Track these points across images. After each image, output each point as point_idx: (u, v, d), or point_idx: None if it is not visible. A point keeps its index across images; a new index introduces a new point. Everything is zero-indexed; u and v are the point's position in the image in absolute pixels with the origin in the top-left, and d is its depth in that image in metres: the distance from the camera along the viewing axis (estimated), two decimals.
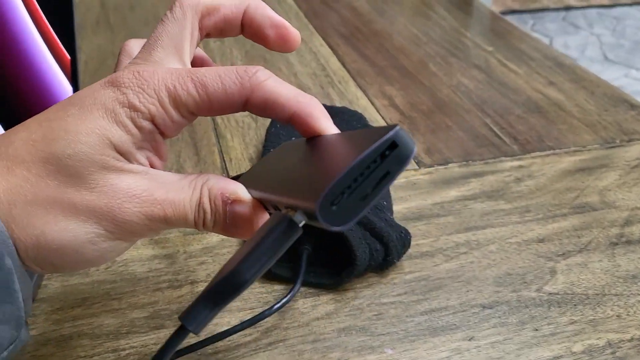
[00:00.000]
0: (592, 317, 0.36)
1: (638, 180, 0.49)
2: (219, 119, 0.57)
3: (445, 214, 0.45)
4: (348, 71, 0.68)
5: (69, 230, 0.23)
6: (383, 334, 0.35)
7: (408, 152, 0.20)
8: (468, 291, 0.38)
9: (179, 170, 0.49)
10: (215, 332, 0.33)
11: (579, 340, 0.34)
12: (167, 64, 0.26)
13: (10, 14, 0.43)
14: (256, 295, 0.37)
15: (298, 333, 0.35)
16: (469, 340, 0.34)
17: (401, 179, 0.48)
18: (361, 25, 0.81)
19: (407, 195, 0.47)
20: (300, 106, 0.25)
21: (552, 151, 0.53)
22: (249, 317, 0.34)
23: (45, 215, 0.23)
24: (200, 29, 0.28)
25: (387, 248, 0.38)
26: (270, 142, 0.49)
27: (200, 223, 0.25)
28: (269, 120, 0.53)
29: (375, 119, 0.58)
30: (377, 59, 0.71)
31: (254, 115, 0.52)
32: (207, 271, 0.39)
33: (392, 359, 0.33)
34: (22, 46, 0.44)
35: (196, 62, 0.32)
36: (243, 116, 0.57)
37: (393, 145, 0.19)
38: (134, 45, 0.30)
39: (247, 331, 0.35)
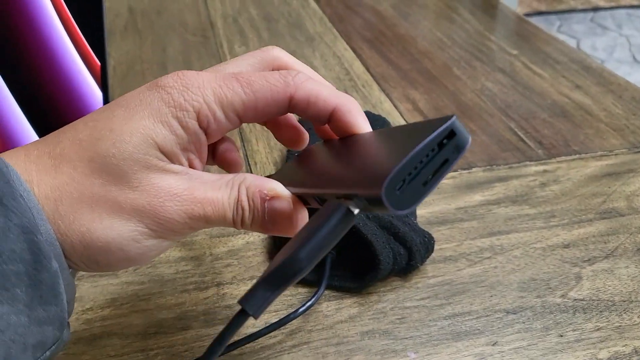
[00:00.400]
0: (619, 324, 0.36)
1: None
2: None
3: (469, 218, 0.45)
4: (372, 75, 0.68)
5: (114, 228, 0.24)
6: (406, 338, 0.35)
7: (465, 141, 0.21)
8: (492, 296, 0.38)
9: None
10: (241, 334, 0.34)
11: (604, 347, 0.34)
12: None
13: (43, 22, 0.45)
14: (280, 298, 0.38)
15: (322, 336, 0.35)
16: (493, 345, 0.34)
17: None
18: (385, 29, 0.82)
19: (431, 200, 0.47)
20: (341, 102, 0.26)
21: (578, 156, 0.52)
22: (274, 320, 0.35)
23: (90, 213, 0.24)
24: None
25: (411, 252, 0.38)
26: None
27: (238, 221, 0.26)
28: None
29: (399, 123, 0.58)
30: (401, 62, 0.71)
31: None
32: (232, 273, 0.40)
33: None
34: (54, 53, 0.45)
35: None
36: None
37: (451, 134, 0.20)
38: None
39: (271, 333, 0.35)
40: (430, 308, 0.37)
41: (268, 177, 0.28)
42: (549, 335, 0.35)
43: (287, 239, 0.39)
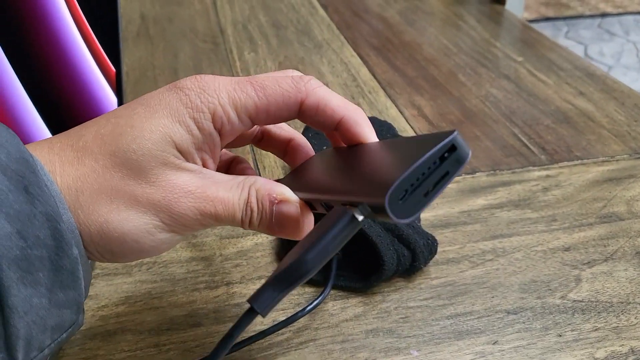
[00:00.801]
0: (616, 325, 0.37)
1: None
2: None
3: (472, 221, 0.46)
4: (378, 81, 0.69)
5: (130, 220, 0.25)
6: (409, 336, 0.36)
7: (465, 155, 0.22)
8: (493, 297, 0.39)
9: None
10: (251, 332, 0.35)
11: (602, 346, 0.35)
12: None
13: (60, 28, 0.46)
14: (288, 297, 0.39)
15: (328, 333, 0.36)
16: (493, 344, 0.36)
17: None
18: (392, 36, 0.83)
19: (435, 203, 0.48)
20: (349, 112, 0.28)
21: (580, 161, 0.53)
22: (282, 318, 0.36)
23: (109, 204, 0.25)
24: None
25: (414, 254, 0.39)
26: None
27: (247, 222, 0.27)
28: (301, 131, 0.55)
29: (405, 129, 0.59)
30: (407, 69, 0.73)
31: None
32: (241, 273, 0.41)
33: None
34: (71, 58, 0.47)
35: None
36: None
37: (452, 148, 0.22)
38: None
39: (279, 331, 0.36)
40: (433, 308, 0.38)
41: (278, 181, 0.29)
42: (548, 335, 0.36)
43: (294, 241, 0.40)
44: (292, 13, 0.91)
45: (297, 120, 0.29)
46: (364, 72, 0.72)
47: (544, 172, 0.52)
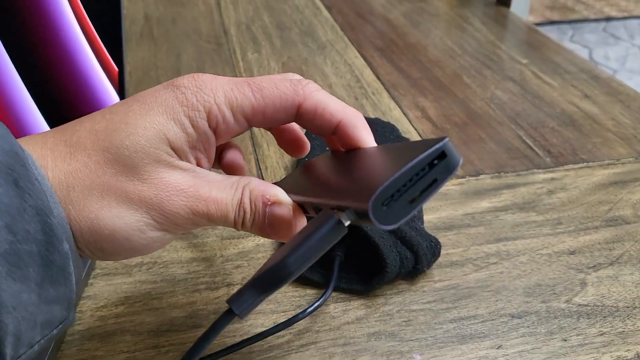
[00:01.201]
0: (622, 329, 0.36)
1: None
2: (255, 128, 0.59)
3: (476, 224, 0.45)
4: (382, 83, 0.69)
5: (121, 217, 0.25)
6: (412, 340, 0.36)
7: (455, 163, 0.21)
8: (497, 301, 0.38)
9: None
10: (250, 333, 0.35)
11: (607, 351, 0.35)
12: None
13: (63, 27, 0.46)
14: (289, 299, 0.39)
15: (329, 336, 0.36)
16: (497, 348, 0.35)
17: None
18: (396, 37, 0.83)
19: (438, 205, 0.47)
20: (347, 116, 0.27)
21: (585, 164, 0.53)
22: (282, 320, 0.36)
23: (100, 201, 0.25)
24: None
25: (417, 256, 0.39)
26: None
27: (239, 222, 0.27)
28: None
29: (408, 130, 0.59)
30: (411, 71, 0.72)
31: None
32: (242, 274, 0.40)
33: None
34: (73, 57, 0.47)
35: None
36: None
37: (442, 155, 0.21)
38: None
39: (279, 333, 0.36)
40: (436, 311, 0.38)
41: (275, 183, 0.29)
42: (553, 339, 0.36)
43: None
44: (296, 14, 0.91)
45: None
46: (368, 73, 0.71)
47: (549, 175, 0.51)
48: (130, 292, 0.39)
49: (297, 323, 0.36)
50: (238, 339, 0.35)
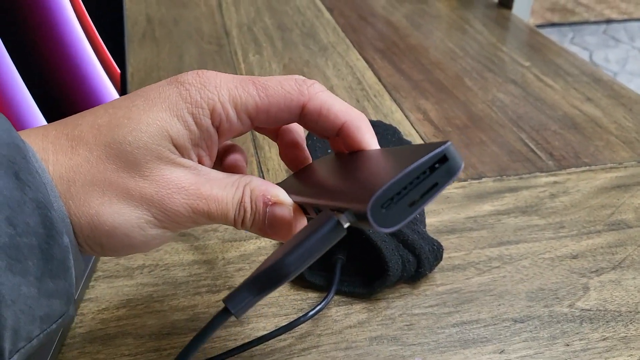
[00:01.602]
0: (625, 334, 0.36)
1: None
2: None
3: (478, 228, 0.45)
4: (383, 85, 0.69)
5: (122, 214, 0.25)
6: (414, 344, 0.36)
7: (457, 167, 0.21)
8: (500, 305, 0.38)
9: None
10: (252, 337, 0.35)
11: (610, 356, 0.35)
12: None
13: (64, 28, 0.46)
14: (291, 302, 0.38)
15: (331, 340, 0.36)
16: (500, 353, 0.35)
17: None
18: (397, 39, 0.82)
19: (440, 209, 0.47)
20: (351, 118, 0.27)
21: (587, 167, 0.53)
22: (284, 323, 0.36)
23: (101, 197, 0.25)
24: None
25: (419, 260, 0.38)
26: None
27: (239, 221, 0.27)
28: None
29: (410, 133, 0.59)
30: (412, 73, 0.72)
31: None
32: (244, 277, 0.40)
33: None
34: (75, 59, 0.47)
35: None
36: None
37: (444, 159, 0.21)
38: None
39: (281, 336, 0.36)
40: (438, 315, 0.38)
41: (278, 184, 0.29)
42: (555, 344, 0.35)
43: None
44: (298, 16, 0.90)
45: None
46: (369, 75, 0.71)
47: (552, 178, 0.51)
48: (132, 294, 0.39)
49: (299, 326, 0.36)
50: (240, 342, 0.35)
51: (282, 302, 0.38)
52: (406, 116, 0.62)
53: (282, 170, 0.53)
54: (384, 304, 0.38)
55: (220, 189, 0.26)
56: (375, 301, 0.39)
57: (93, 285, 0.39)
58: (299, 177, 0.30)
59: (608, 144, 0.56)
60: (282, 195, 0.27)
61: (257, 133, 0.58)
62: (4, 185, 0.21)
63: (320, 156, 0.49)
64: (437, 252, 0.39)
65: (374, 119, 0.61)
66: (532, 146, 0.56)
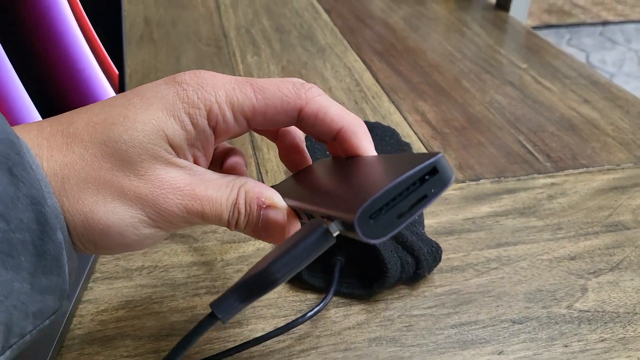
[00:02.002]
0: (623, 335, 0.36)
1: None
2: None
3: (477, 229, 0.45)
4: (382, 87, 0.69)
5: (116, 213, 0.25)
6: (413, 345, 0.36)
7: (447, 179, 0.21)
8: (498, 306, 0.38)
9: None
10: (250, 338, 0.35)
11: (608, 357, 0.35)
12: None
13: (62, 29, 0.46)
14: (290, 304, 0.38)
15: (330, 341, 0.36)
16: (499, 354, 0.35)
17: None
18: (395, 41, 0.83)
19: (439, 210, 0.47)
20: (348, 123, 0.27)
21: (585, 169, 0.53)
22: (282, 324, 0.36)
23: (95, 195, 0.25)
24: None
25: (418, 261, 0.38)
26: None
27: (233, 223, 0.27)
28: None
29: (408, 134, 0.59)
30: (410, 75, 0.72)
31: None
32: None
33: None
34: (73, 59, 0.47)
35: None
36: None
37: (434, 170, 0.20)
38: None
39: (280, 337, 0.36)
40: (437, 317, 0.38)
41: (273, 186, 0.29)
42: (554, 345, 0.36)
43: None
44: (296, 18, 0.91)
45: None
46: (368, 77, 0.71)
47: (549, 180, 0.51)
48: (131, 296, 0.39)
49: (298, 328, 0.36)
50: (238, 343, 0.35)
51: (281, 304, 0.38)
52: (404, 118, 0.62)
53: (280, 172, 0.53)
54: (383, 305, 0.38)
55: (215, 190, 0.26)
56: (374, 302, 0.39)
57: (92, 286, 0.39)
58: (296, 180, 0.30)
59: (605, 146, 0.57)
60: (277, 199, 0.27)
61: (255, 134, 0.58)
62: None
63: (319, 157, 0.49)
64: (435, 253, 0.39)
65: (372, 120, 0.61)
66: (530, 148, 0.56)
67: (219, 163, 0.31)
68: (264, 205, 0.26)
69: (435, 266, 0.40)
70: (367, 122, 0.57)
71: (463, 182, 0.51)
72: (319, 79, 0.70)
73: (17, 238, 0.22)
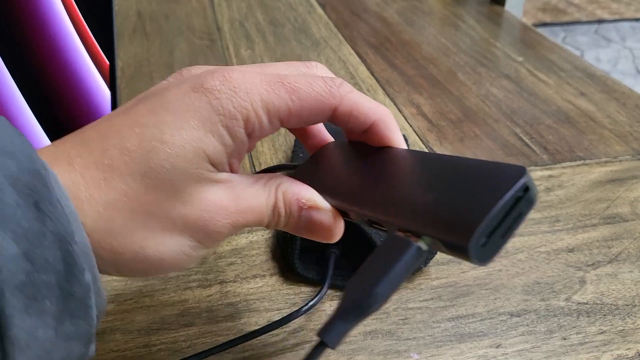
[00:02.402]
0: (622, 328, 0.36)
1: None
2: None
3: None
4: (376, 79, 0.68)
5: (166, 245, 0.24)
6: (409, 339, 0.35)
7: (535, 195, 0.21)
8: (496, 299, 0.38)
9: None
10: (244, 332, 0.34)
11: (607, 350, 0.34)
12: None
13: (54, 22, 0.45)
14: (284, 297, 0.38)
15: None
16: (496, 347, 0.34)
17: None
18: (390, 35, 0.82)
19: None
20: (381, 116, 0.27)
21: (582, 161, 0.52)
22: (277, 318, 0.35)
23: (143, 230, 0.23)
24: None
25: None
26: (299, 147, 0.50)
27: (272, 225, 0.26)
28: None
29: (403, 127, 0.58)
30: (405, 68, 0.72)
31: None
32: (235, 272, 0.40)
33: None
34: (63, 50, 0.46)
35: None
36: None
37: (526, 188, 0.21)
38: None
39: (274, 331, 0.35)
40: (433, 310, 0.37)
41: (294, 173, 0.28)
42: (552, 338, 0.35)
43: (290, 240, 0.39)
44: (290, 11, 0.90)
45: None
46: (362, 70, 0.71)
47: (547, 172, 0.51)
48: (121, 289, 0.38)
49: (293, 322, 0.35)
50: (232, 337, 0.34)
51: (275, 297, 0.38)
52: (400, 110, 0.61)
53: (274, 165, 0.52)
54: None
55: (254, 197, 0.25)
56: None
57: None
58: (317, 170, 0.29)
59: (602, 138, 0.56)
60: (318, 199, 0.26)
61: None
62: (22, 216, 0.20)
63: None
64: None
65: None
66: (527, 140, 0.56)
67: None
68: (305, 207, 0.26)
69: (431, 258, 0.39)
70: None
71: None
72: None
73: (41, 280, 0.20)
